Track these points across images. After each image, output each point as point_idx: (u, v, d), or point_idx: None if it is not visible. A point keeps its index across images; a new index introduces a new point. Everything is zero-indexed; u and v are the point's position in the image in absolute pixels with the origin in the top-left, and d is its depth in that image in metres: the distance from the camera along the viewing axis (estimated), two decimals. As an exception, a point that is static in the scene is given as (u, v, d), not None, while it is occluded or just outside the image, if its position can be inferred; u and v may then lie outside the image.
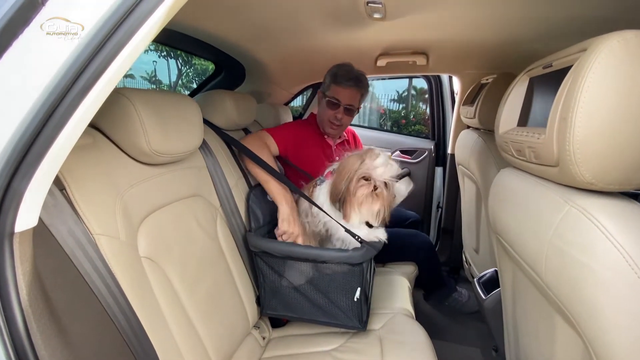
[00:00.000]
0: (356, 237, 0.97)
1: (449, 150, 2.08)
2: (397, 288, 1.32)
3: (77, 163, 0.61)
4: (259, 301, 1.07)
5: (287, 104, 2.08)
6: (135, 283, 0.65)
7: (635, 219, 0.46)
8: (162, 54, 8.20)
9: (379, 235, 1.01)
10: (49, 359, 0.45)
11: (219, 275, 0.93)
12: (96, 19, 0.40)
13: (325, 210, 1.02)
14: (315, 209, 1.05)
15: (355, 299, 0.98)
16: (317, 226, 1.07)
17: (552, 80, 0.58)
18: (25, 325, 0.44)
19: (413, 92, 5.85)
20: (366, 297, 1.02)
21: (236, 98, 1.22)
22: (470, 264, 1.67)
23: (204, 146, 1.02)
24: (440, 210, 2.19)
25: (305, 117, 2.15)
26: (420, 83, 5.33)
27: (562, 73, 0.53)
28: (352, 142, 1.59)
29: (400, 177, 2.39)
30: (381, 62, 1.52)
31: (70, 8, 0.40)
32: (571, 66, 0.51)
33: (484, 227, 1.43)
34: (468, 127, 1.72)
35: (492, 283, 1.10)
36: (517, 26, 1.08)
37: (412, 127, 5.32)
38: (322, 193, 1.06)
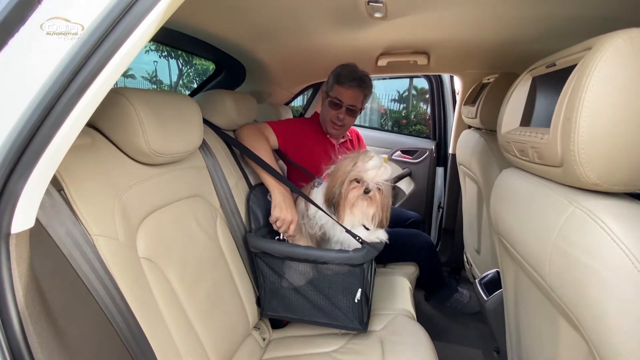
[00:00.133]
0: (357, 237, 0.96)
1: (450, 150, 2.07)
2: (398, 289, 1.32)
3: (76, 163, 0.60)
4: (259, 302, 1.07)
5: (287, 104, 2.07)
6: (134, 284, 0.64)
7: (641, 220, 0.45)
8: (163, 54, 8.21)
9: (380, 235, 1.00)
10: (45, 361, 0.45)
11: (219, 276, 0.93)
12: (94, 16, 0.39)
13: (325, 212, 1.01)
14: (311, 211, 1.05)
15: (356, 300, 0.97)
16: (313, 228, 1.07)
17: (556, 79, 0.57)
18: (21, 328, 0.43)
19: (414, 92, 5.85)
20: (367, 298, 1.01)
21: (236, 98, 1.22)
22: (471, 265, 1.67)
23: (204, 146, 1.02)
24: (441, 210, 2.19)
25: (308, 116, 2.14)
26: (421, 83, 5.33)
27: (566, 72, 0.52)
28: (356, 142, 1.59)
29: (401, 177, 2.39)
30: (382, 62, 1.51)
31: (68, 7, 0.39)
32: (575, 65, 0.51)
33: (486, 228, 1.42)
34: (469, 127, 1.72)
35: (493, 284, 1.10)
36: (518, 26, 1.07)
37: (413, 127, 5.32)
38: (318, 196, 1.06)
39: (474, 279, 1.40)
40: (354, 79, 1.30)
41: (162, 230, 0.76)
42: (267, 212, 1.14)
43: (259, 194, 1.16)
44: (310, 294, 1.01)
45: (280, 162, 1.35)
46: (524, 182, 0.69)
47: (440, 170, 2.23)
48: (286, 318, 1.08)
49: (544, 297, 0.63)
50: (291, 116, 1.91)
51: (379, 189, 0.98)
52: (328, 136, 1.42)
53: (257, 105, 1.42)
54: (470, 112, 1.52)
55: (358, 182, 0.97)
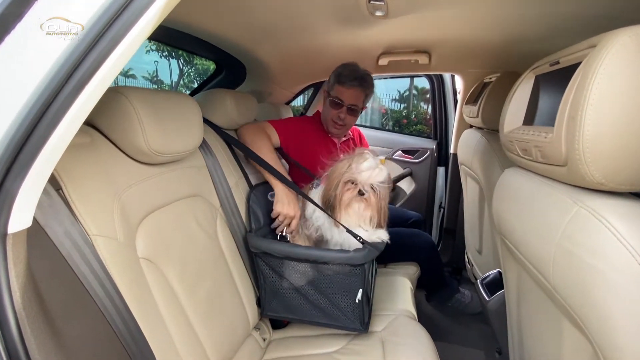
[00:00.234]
0: (358, 237, 0.96)
1: (451, 150, 2.06)
2: (399, 289, 1.31)
3: (74, 162, 0.60)
4: (259, 302, 1.06)
5: (288, 103, 2.06)
6: (133, 284, 0.63)
7: (646, 220, 0.44)
8: (164, 54, 8.23)
9: (381, 235, 1.00)
10: (43, 363, 0.44)
11: (219, 276, 0.92)
12: (90, 14, 0.39)
13: (327, 212, 1.01)
14: (308, 211, 1.05)
15: (357, 301, 0.96)
16: (309, 229, 1.06)
17: (560, 77, 0.57)
18: (18, 329, 0.42)
19: (414, 91, 5.85)
20: (368, 299, 1.00)
21: (236, 97, 1.21)
22: (472, 265, 1.66)
23: (204, 145, 1.01)
24: (442, 210, 2.18)
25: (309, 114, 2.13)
26: (422, 82, 5.32)
27: (571, 70, 0.52)
28: (358, 141, 1.58)
29: (401, 177, 2.38)
30: (383, 61, 1.51)
31: (65, 3, 0.39)
32: (580, 63, 0.50)
33: (487, 228, 1.41)
34: (471, 126, 1.71)
35: (495, 284, 1.09)
36: (520, 25, 1.07)
37: (414, 127, 5.32)
38: (316, 197, 1.06)
39: (476, 279, 1.39)
40: (355, 78, 1.30)
41: (161, 230, 0.75)
42: (268, 212, 1.13)
43: (259, 194, 1.15)
44: (311, 294, 1.00)
45: (283, 160, 1.35)
46: (527, 182, 0.68)
47: (441, 170, 2.22)
48: (286, 318, 1.07)
49: (547, 298, 0.62)
50: (292, 115, 1.90)
51: (374, 191, 0.97)
52: (329, 135, 1.42)
53: (258, 105, 1.41)
54: (472, 111, 1.51)
55: (353, 183, 0.97)
